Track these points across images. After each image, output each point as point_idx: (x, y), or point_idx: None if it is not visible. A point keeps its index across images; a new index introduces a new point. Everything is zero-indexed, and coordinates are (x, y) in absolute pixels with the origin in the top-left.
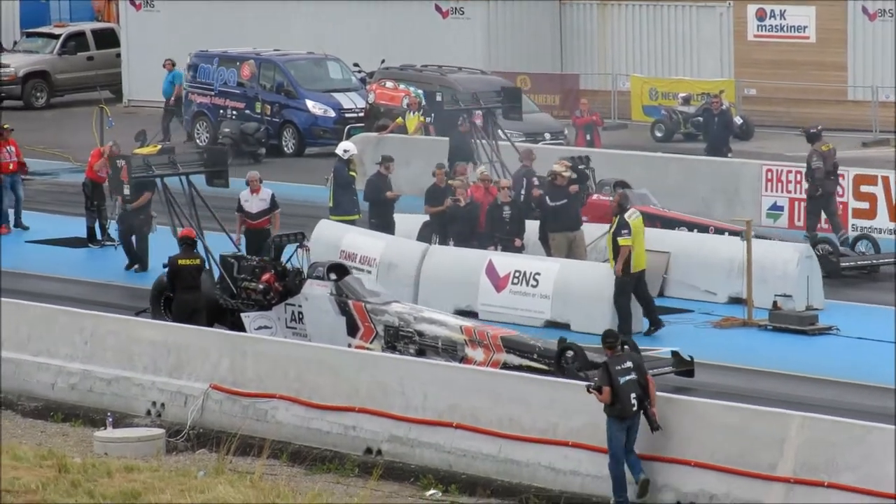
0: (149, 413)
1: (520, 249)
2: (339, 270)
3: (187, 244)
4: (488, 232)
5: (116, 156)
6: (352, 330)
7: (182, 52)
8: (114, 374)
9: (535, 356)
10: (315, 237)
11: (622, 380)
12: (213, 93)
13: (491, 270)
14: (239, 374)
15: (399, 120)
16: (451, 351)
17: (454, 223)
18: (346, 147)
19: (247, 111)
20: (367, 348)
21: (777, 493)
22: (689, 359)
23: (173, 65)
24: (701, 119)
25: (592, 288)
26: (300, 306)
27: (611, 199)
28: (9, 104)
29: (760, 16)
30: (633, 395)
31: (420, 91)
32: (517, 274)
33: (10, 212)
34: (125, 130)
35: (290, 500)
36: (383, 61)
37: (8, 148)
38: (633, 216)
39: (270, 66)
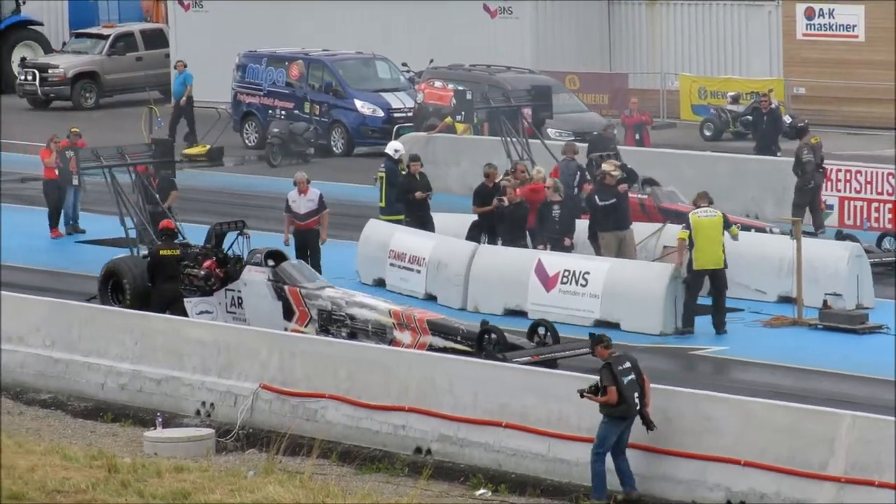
0: (198, 413)
1: (569, 249)
2: (277, 257)
3: (167, 235)
4: (538, 231)
5: (66, 146)
6: (288, 314)
7: (230, 52)
8: (163, 374)
9: (458, 338)
10: (364, 236)
11: (625, 380)
12: (261, 93)
13: (540, 270)
14: (288, 374)
15: (448, 119)
16: (380, 334)
17: (502, 223)
18: (396, 147)
19: (295, 111)
20: (302, 331)
21: (827, 492)
22: None
23: (184, 66)
24: (750, 118)
25: (642, 287)
26: (239, 292)
27: (639, 196)
28: (58, 105)
29: (809, 14)
30: (635, 395)
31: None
32: (566, 273)
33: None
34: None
35: (340, 500)
36: (432, 61)
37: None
38: (703, 214)
39: (319, 65)
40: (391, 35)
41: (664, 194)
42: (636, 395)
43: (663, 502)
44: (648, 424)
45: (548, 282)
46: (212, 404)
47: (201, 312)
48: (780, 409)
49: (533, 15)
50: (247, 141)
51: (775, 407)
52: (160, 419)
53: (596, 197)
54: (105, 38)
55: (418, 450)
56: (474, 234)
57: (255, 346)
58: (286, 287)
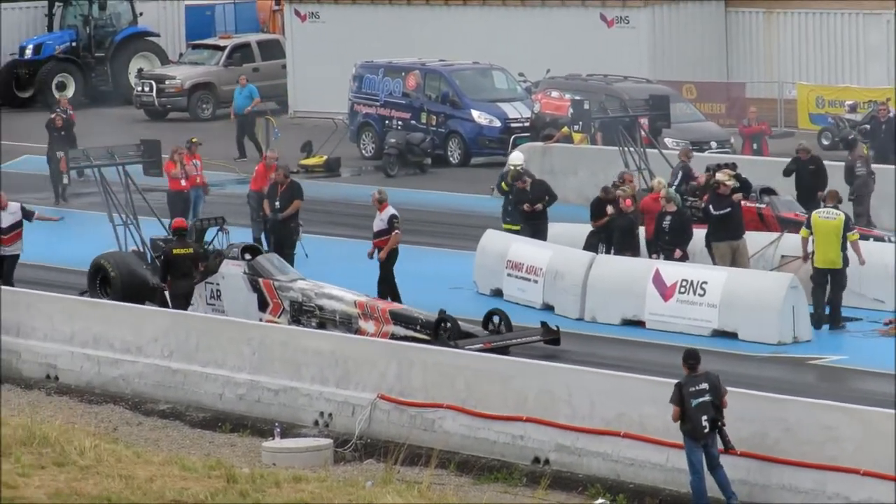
0: (316, 423)
1: (681, 260)
2: (253, 251)
3: (180, 235)
4: (653, 241)
5: (59, 149)
6: (262, 305)
7: (347, 62)
8: (281, 385)
9: (418, 327)
10: (481, 247)
11: (694, 402)
12: (378, 103)
13: (658, 279)
14: (406, 384)
15: (565, 129)
16: (346, 323)
17: (614, 233)
18: (511, 157)
19: (412, 121)
20: (275, 322)
21: None
22: (555, 328)
23: (247, 81)
24: (868, 127)
25: (760, 297)
26: (218, 284)
27: (757, 205)
28: (175, 116)
29: None
30: (704, 418)
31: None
32: (684, 283)
33: None
34: (291, 141)
35: None
36: (548, 71)
37: (194, 161)
38: (823, 214)
39: (436, 76)
40: (508, 45)
41: (782, 203)
42: (705, 417)
43: None
44: (726, 444)
45: (665, 291)
46: (330, 414)
47: None
48: None
49: (650, 24)
50: (364, 151)
51: (894, 416)
52: (278, 429)
53: (710, 206)
54: (222, 48)
55: (536, 460)
56: (592, 243)
57: (372, 357)
58: (261, 280)
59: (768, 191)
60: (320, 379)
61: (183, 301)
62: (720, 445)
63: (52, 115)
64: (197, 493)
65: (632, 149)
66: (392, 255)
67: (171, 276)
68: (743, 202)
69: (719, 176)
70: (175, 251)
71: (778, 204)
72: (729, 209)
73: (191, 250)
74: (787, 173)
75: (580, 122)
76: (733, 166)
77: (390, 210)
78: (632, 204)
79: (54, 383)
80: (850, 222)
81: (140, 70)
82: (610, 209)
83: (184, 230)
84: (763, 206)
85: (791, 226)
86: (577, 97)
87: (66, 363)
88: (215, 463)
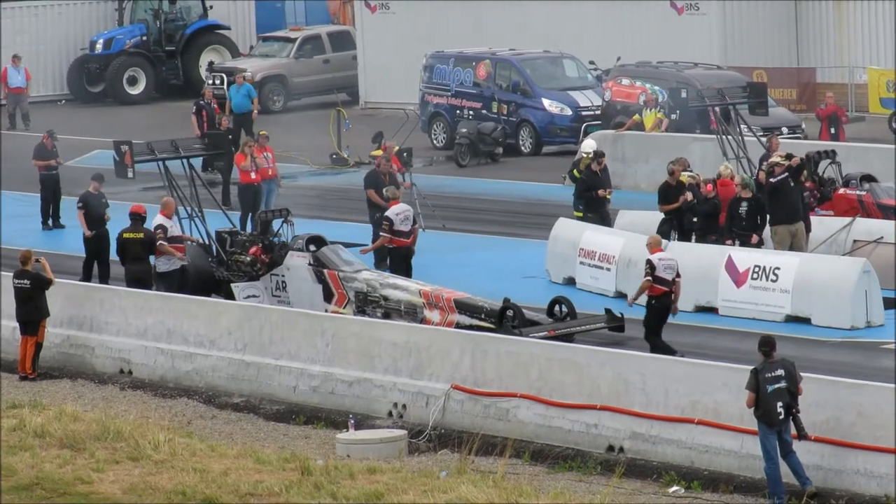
0: (390, 414)
1: (757, 245)
2: (318, 242)
3: (135, 219)
4: (726, 227)
5: (120, 141)
6: (327, 296)
7: (417, 53)
8: (355, 376)
9: (482, 316)
10: (553, 235)
11: (770, 388)
12: (449, 93)
13: (731, 266)
14: (480, 374)
15: (636, 117)
16: (412, 313)
17: (694, 217)
18: (584, 145)
19: (483, 111)
20: (340, 313)
21: None
22: (619, 315)
23: (244, 78)
24: None
25: (833, 282)
26: (283, 276)
27: (857, 192)
28: None
29: None
30: (779, 404)
31: (657, 87)
32: (757, 269)
33: None
34: (362, 132)
35: (533, 500)
36: (619, 58)
37: (265, 154)
38: None
39: (506, 65)
40: (577, 33)
41: (883, 190)
42: (780, 404)
43: (858, 497)
44: (799, 431)
45: (738, 278)
46: (404, 405)
47: (248, 296)
48: None
49: (720, 11)
50: (435, 141)
51: None
52: (352, 421)
53: (770, 180)
54: (292, 40)
55: (610, 448)
56: (664, 230)
57: (446, 347)
58: (325, 271)
59: (868, 178)
60: (394, 370)
61: (135, 285)
62: (793, 431)
63: (218, 121)
64: (271, 485)
65: (730, 137)
66: (393, 258)
67: (124, 259)
68: (843, 190)
69: (773, 158)
70: (125, 235)
71: (879, 191)
72: (784, 175)
73: (141, 235)
74: None
75: (677, 111)
76: (832, 154)
77: (391, 209)
78: (712, 189)
79: (128, 378)
80: None
81: (211, 63)
82: (689, 195)
83: (140, 215)
84: (864, 193)
85: (891, 213)
86: (658, 86)
87: (139, 357)
88: (290, 455)
